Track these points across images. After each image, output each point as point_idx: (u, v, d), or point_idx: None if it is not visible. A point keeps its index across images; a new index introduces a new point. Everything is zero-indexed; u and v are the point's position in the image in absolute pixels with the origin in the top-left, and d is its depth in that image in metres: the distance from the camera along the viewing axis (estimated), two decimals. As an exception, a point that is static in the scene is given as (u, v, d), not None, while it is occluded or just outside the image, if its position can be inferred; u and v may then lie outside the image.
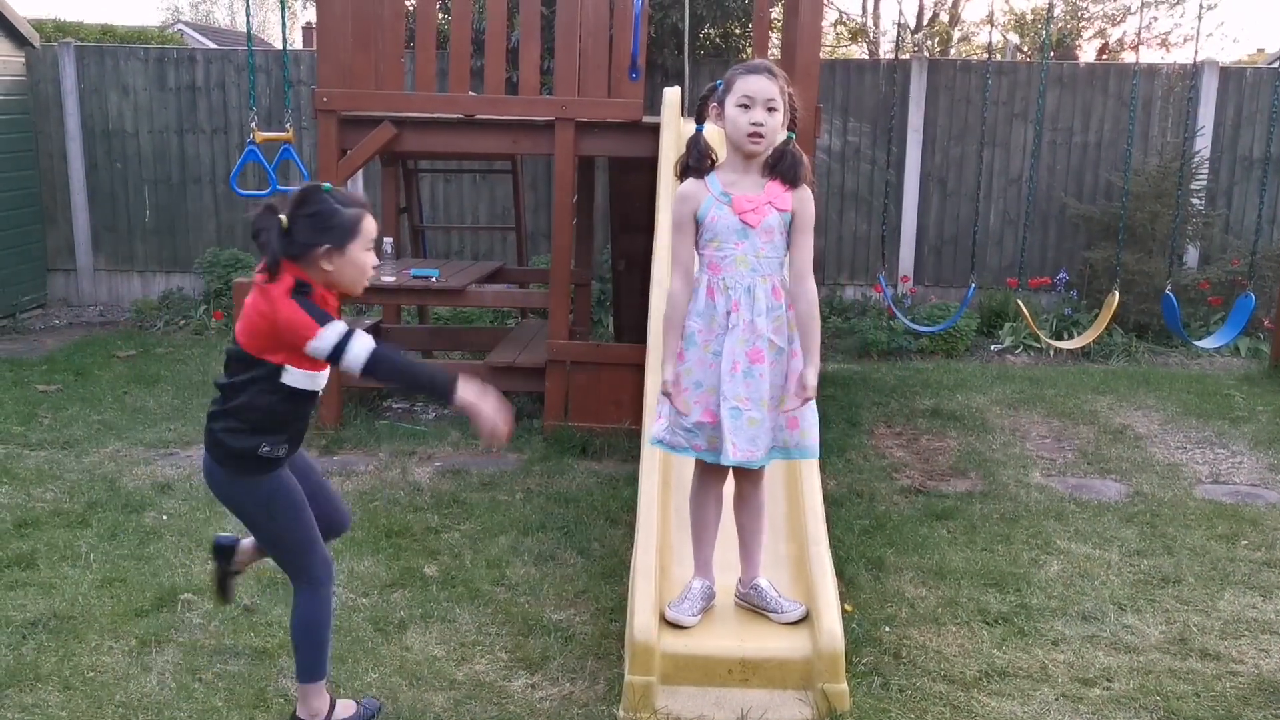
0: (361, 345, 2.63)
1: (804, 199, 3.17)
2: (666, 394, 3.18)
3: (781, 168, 3.15)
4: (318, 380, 2.76)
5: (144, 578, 3.99)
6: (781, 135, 3.15)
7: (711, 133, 3.22)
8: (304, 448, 2.97)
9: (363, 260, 2.72)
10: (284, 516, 2.83)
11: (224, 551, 3.15)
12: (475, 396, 2.70)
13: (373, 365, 2.64)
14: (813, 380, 3.13)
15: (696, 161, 3.19)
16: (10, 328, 8.62)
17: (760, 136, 3.08)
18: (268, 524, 2.85)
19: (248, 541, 3.11)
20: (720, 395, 3.12)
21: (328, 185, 2.72)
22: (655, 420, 3.29)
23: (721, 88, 3.14)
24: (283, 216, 2.63)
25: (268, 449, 2.74)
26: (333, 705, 3.01)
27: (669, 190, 4.99)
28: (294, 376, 2.69)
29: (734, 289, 3.12)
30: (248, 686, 3.26)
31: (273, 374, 2.68)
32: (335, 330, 2.61)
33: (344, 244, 2.67)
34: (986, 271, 9.05)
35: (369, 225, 2.72)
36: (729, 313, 3.12)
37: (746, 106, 3.07)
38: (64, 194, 9.43)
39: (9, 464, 5.23)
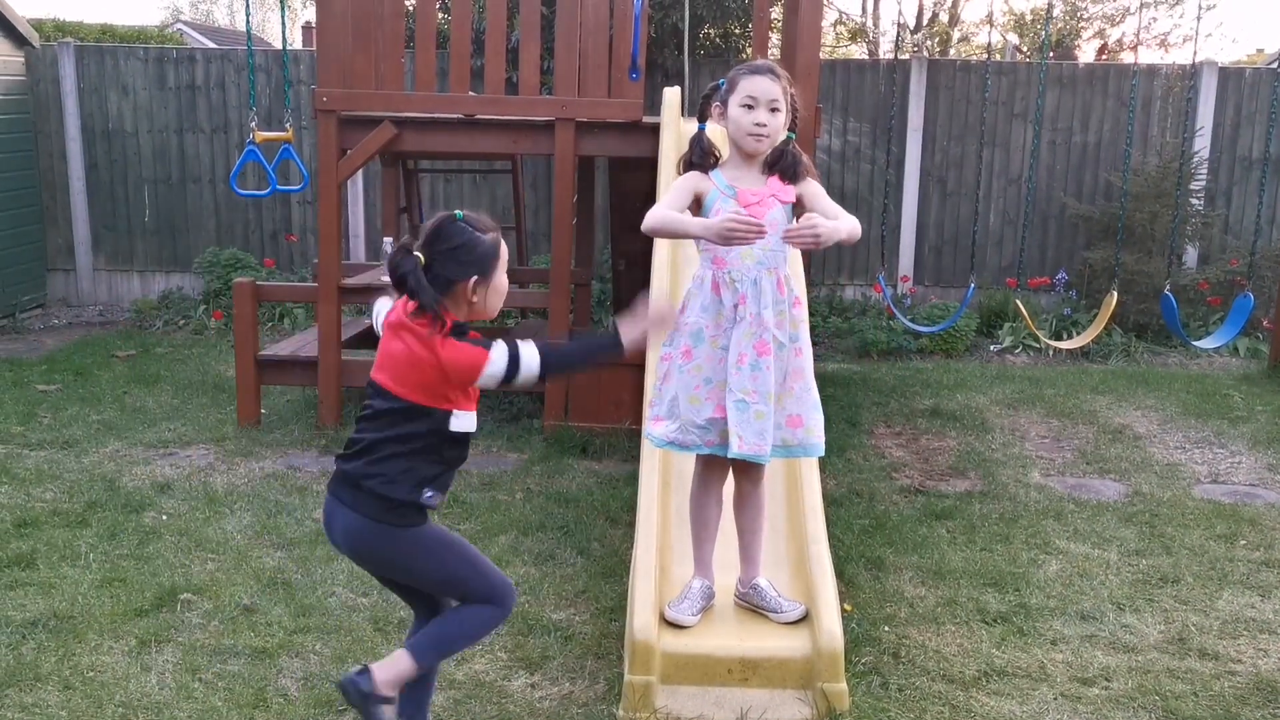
0: (530, 353, 2.52)
1: (807, 182, 3.20)
2: (732, 226, 2.97)
3: (781, 165, 3.18)
4: (473, 421, 2.61)
5: (143, 577, 3.99)
6: (782, 135, 3.17)
7: (713, 131, 3.23)
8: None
9: (504, 284, 2.62)
10: (453, 554, 2.65)
11: (357, 691, 2.63)
12: (638, 334, 2.62)
13: (546, 367, 2.54)
14: (824, 227, 2.96)
15: (700, 158, 3.22)
16: (10, 327, 8.63)
17: (764, 136, 3.11)
18: (439, 569, 2.66)
19: (383, 666, 2.66)
20: (726, 388, 3.12)
21: (460, 213, 2.57)
22: (653, 422, 3.29)
23: (724, 87, 3.15)
24: (419, 254, 2.49)
25: (430, 495, 2.59)
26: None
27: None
28: (461, 421, 2.56)
29: (740, 282, 3.13)
30: (247, 686, 3.27)
31: (441, 422, 2.54)
32: (502, 350, 2.50)
33: (489, 273, 2.56)
34: (986, 271, 9.05)
35: (505, 248, 2.62)
36: (736, 305, 3.13)
37: (750, 107, 3.09)
38: (64, 194, 9.43)
39: (9, 464, 5.24)
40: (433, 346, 2.49)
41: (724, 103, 3.15)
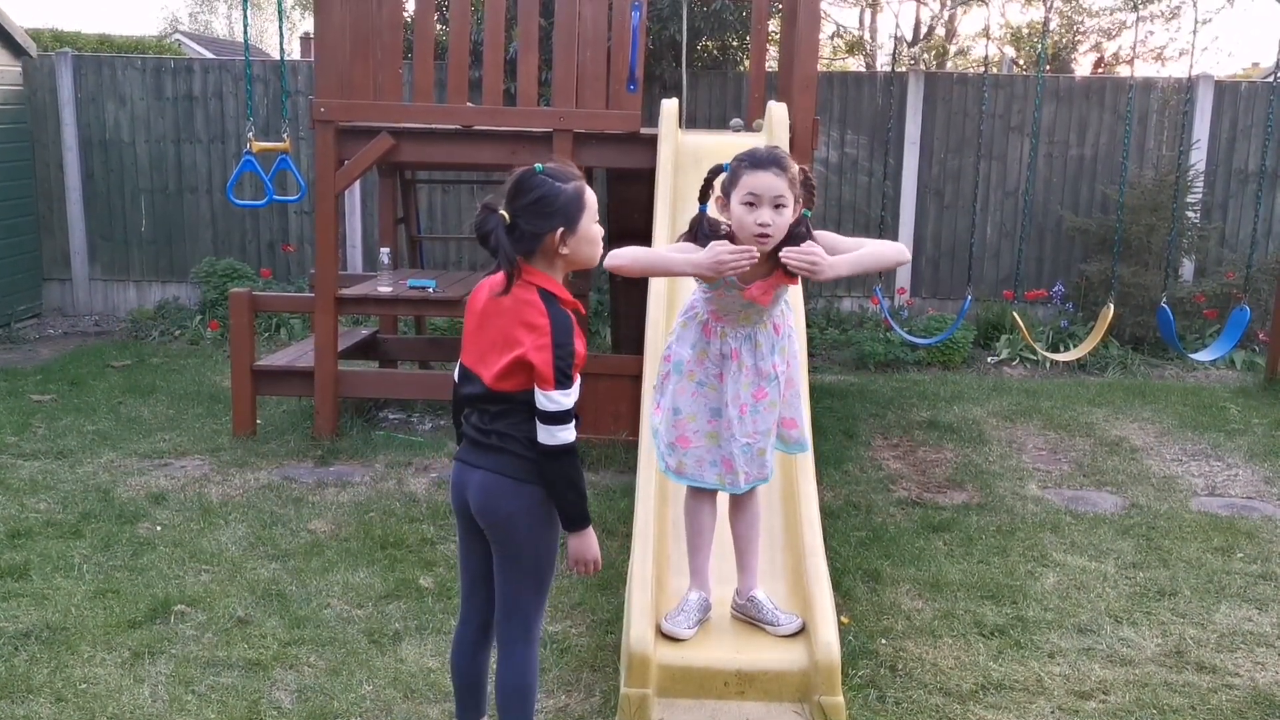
0: (571, 430, 2.49)
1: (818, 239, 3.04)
2: (723, 255, 2.87)
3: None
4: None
5: (137, 589, 3.97)
6: (786, 227, 2.96)
7: (715, 212, 3.07)
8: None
9: (594, 232, 2.58)
10: (554, 555, 2.66)
11: None
12: (580, 545, 2.63)
13: (568, 450, 2.49)
14: (825, 263, 2.87)
15: (705, 243, 3.00)
16: (5, 337, 8.60)
17: (768, 236, 2.92)
18: (542, 562, 2.64)
19: None
20: (730, 436, 3.13)
21: (540, 166, 2.54)
22: (656, 409, 3.28)
23: (728, 175, 2.98)
24: (503, 212, 2.48)
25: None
26: None
27: (666, 201, 5.00)
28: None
29: (733, 338, 3.12)
30: (240, 699, 3.25)
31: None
32: (571, 398, 2.47)
33: (575, 222, 2.52)
34: (983, 284, 9.06)
35: (591, 195, 2.58)
36: (725, 357, 3.12)
37: (753, 204, 2.90)
38: (60, 203, 9.42)
39: (2, 474, 5.21)
40: (519, 299, 2.49)
41: (726, 194, 2.97)
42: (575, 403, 2.51)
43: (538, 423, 2.49)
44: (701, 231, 3.03)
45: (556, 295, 2.53)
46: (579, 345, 2.51)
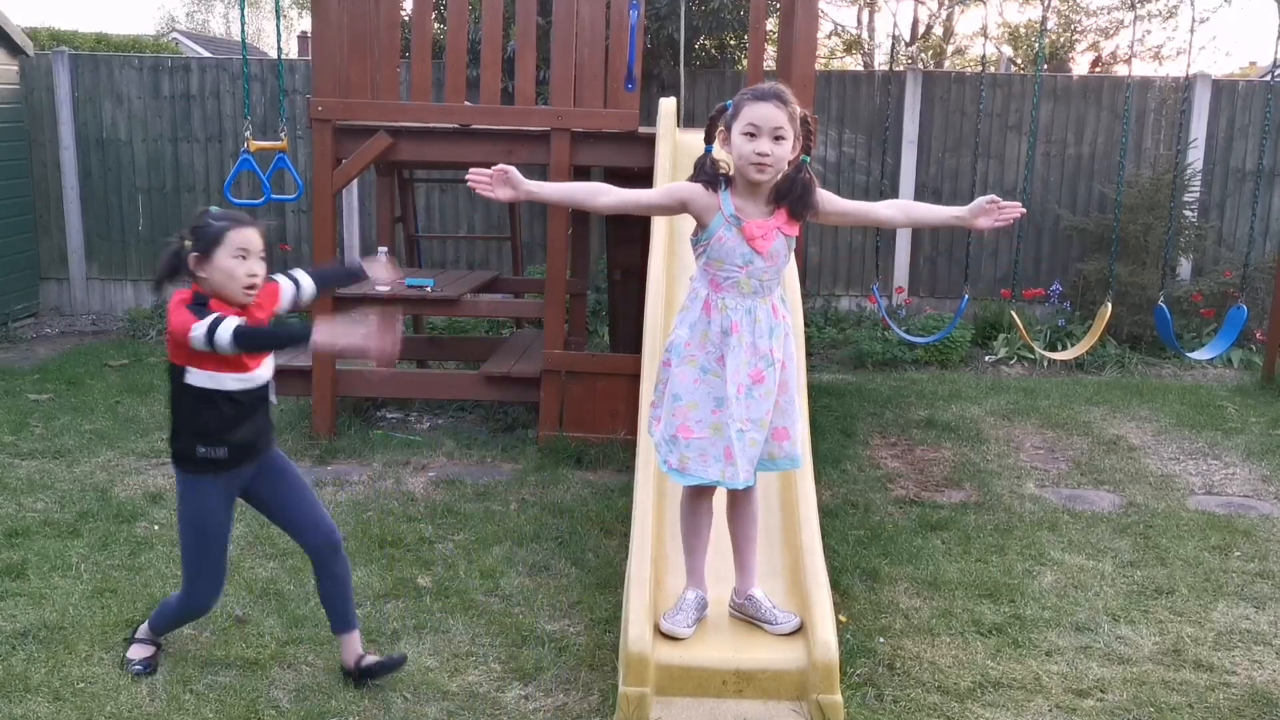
0: (225, 327, 2.85)
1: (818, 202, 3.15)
2: None
3: (791, 198, 3.06)
4: (223, 381, 2.99)
5: (135, 588, 3.97)
6: (787, 163, 3.04)
7: (720, 155, 3.14)
8: (286, 456, 3.11)
9: (229, 266, 2.95)
10: (188, 528, 3.14)
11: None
12: (328, 338, 2.94)
13: (238, 340, 2.86)
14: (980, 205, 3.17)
15: (708, 180, 3.10)
16: (2, 337, 8.59)
17: (766, 166, 2.98)
18: (179, 523, 3.17)
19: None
20: (727, 415, 3.09)
21: (215, 208, 3.09)
22: (654, 422, 3.26)
23: (730, 110, 3.05)
24: (187, 241, 3.00)
25: (204, 450, 3.05)
26: (156, 650, 3.40)
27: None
28: (196, 377, 2.98)
29: (733, 310, 3.10)
30: (238, 698, 3.24)
31: (178, 375, 3.00)
32: (206, 320, 2.86)
33: (208, 250, 2.95)
34: (981, 283, 9.06)
35: (238, 235, 2.95)
36: (726, 333, 3.10)
37: (752, 135, 2.97)
38: (57, 203, 9.41)
39: (0, 473, 5.21)
40: (169, 309, 2.97)
41: (729, 128, 3.03)
42: (221, 332, 2.86)
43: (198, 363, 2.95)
44: (704, 171, 3.11)
45: (207, 299, 2.95)
46: (173, 317, 2.93)
